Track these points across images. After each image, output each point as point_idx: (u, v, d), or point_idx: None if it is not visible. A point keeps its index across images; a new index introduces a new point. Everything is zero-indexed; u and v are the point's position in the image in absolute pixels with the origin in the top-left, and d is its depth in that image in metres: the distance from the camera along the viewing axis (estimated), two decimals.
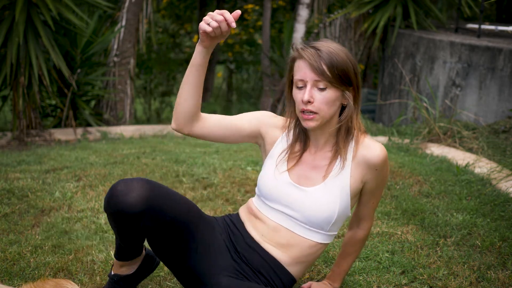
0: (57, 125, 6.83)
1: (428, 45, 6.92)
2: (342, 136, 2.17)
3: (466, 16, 8.57)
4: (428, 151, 5.11)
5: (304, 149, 2.24)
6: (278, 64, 9.66)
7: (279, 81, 9.13)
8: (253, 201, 2.31)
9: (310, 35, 8.37)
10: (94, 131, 6.53)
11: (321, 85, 2.09)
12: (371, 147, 2.17)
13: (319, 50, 2.09)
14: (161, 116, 11.58)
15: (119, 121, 7.55)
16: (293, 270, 2.24)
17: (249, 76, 13.87)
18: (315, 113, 2.10)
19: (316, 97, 2.09)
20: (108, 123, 7.45)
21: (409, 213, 3.52)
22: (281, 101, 8.41)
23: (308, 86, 2.09)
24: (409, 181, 4.09)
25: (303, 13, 8.10)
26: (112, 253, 2.93)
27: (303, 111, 2.11)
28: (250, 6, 12.79)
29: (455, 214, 3.48)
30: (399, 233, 3.23)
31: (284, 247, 2.20)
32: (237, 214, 2.35)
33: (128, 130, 6.70)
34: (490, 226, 3.30)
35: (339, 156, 2.18)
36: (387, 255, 2.95)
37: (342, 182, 2.17)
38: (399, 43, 7.41)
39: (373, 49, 8.04)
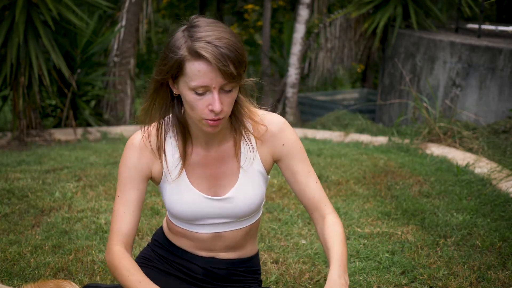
0: (57, 125, 6.82)
1: (428, 45, 6.92)
2: (238, 121, 1.92)
3: (466, 16, 8.56)
4: (428, 151, 5.11)
5: (188, 150, 1.94)
6: (278, 64, 9.66)
7: (279, 81, 9.13)
8: (175, 223, 2.03)
9: (310, 35, 8.37)
10: (94, 131, 6.53)
11: (228, 88, 1.78)
12: (268, 121, 1.95)
13: (219, 47, 1.72)
14: None
15: (119, 121, 7.54)
16: (251, 251, 2.12)
17: (249, 76, 13.87)
18: (221, 118, 1.80)
19: (223, 101, 1.78)
20: (108, 123, 7.45)
21: (409, 213, 3.52)
22: (281, 101, 8.41)
23: (215, 93, 1.75)
24: (409, 181, 4.09)
25: (303, 13, 8.10)
26: None
27: (207, 119, 1.80)
28: (250, 6, 12.80)
29: (455, 214, 3.48)
30: (399, 233, 3.23)
31: (234, 247, 2.05)
32: (168, 241, 2.09)
33: (128, 130, 6.69)
34: (490, 226, 3.30)
35: (242, 142, 1.95)
36: (387, 255, 2.95)
37: (257, 166, 1.97)
38: (399, 43, 7.40)
39: (373, 49, 8.04)
